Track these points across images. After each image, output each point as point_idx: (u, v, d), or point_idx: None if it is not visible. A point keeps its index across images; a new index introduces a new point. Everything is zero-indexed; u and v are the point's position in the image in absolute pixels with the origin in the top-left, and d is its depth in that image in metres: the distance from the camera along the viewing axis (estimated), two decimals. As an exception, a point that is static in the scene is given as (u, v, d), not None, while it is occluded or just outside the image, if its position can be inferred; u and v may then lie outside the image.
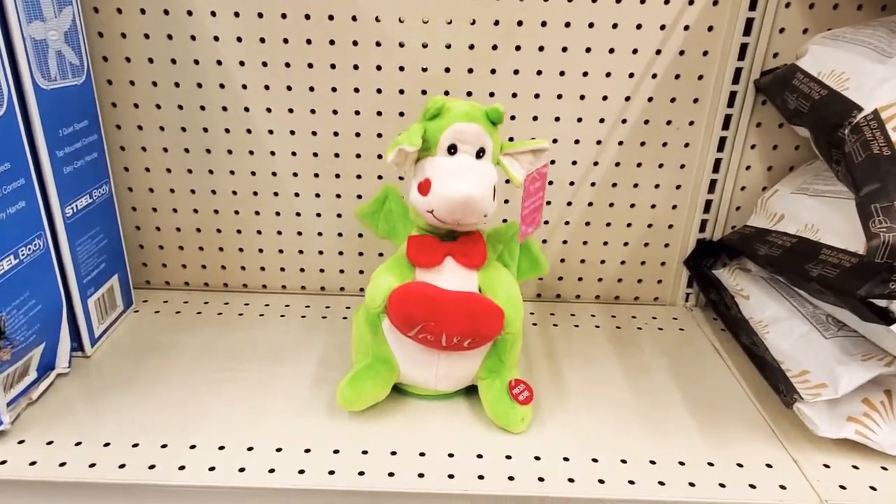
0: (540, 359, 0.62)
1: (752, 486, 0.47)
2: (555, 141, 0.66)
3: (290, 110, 0.65)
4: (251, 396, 0.54)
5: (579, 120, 0.65)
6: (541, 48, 0.62)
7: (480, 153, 0.49)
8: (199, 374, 0.57)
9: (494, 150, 0.50)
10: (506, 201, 0.68)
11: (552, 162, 0.67)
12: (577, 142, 0.66)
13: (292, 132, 0.66)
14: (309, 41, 0.62)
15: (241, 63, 0.63)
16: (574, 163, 0.67)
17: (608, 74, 0.63)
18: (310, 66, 0.63)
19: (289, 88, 0.64)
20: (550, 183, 0.68)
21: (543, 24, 0.61)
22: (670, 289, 0.74)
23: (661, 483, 0.46)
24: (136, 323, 0.66)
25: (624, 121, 0.65)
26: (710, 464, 0.49)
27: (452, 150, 0.48)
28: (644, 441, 0.51)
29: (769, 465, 0.49)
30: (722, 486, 0.46)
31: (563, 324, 0.69)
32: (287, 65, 0.63)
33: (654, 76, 0.64)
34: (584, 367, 0.61)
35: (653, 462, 0.49)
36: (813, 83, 0.52)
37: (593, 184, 0.68)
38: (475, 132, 0.48)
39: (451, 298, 0.48)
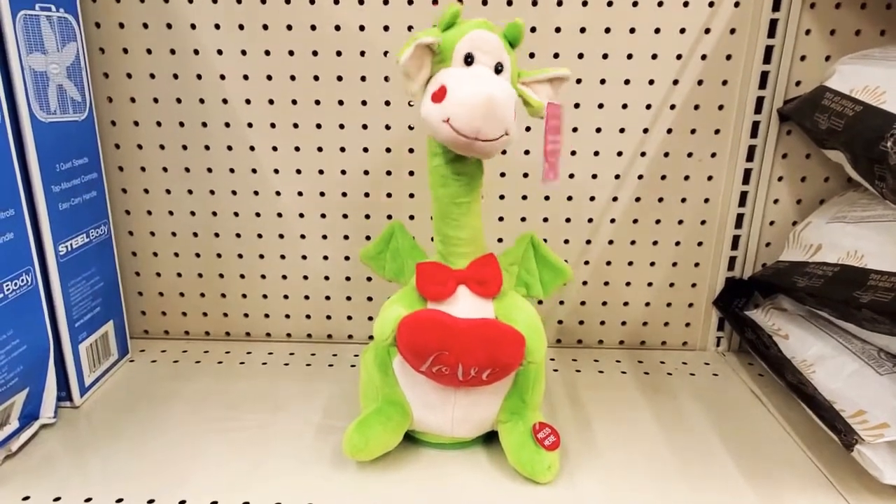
0: (564, 406, 0.57)
1: (816, 542, 0.41)
2: (571, 176, 0.64)
3: (297, 148, 0.63)
4: (249, 447, 0.50)
5: (596, 153, 0.63)
6: (554, 80, 0.61)
7: (499, 68, 0.44)
8: (194, 425, 0.53)
9: (512, 72, 0.45)
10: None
11: (569, 198, 0.64)
12: (594, 176, 0.64)
13: (298, 171, 0.64)
14: (316, 77, 0.61)
15: (247, 101, 0.62)
16: (592, 198, 0.64)
17: (624, 106, 0.61)
18: (317, 102, 0.61)
19: (295, 126, 0.62)
20: (567, 220, 0.65)
21: (556, 55, 0.60)
22: (700, 332, 0.69)
23: (711, 539, 0.41)
24: (131, 373, 0.62)
25: (643, 153, 0.63)
26: (764, 517, 0.43)
27: (469, 59, 0.43)
28: (685, 493, 0.45)
29: (831, 518, 0.43)
30: (781, 542, 0.41)
31: (586, 370, 0.64)
32: (294, 102, 0.61)
33: (673, 107, 0.61)
34: (613, 414, 0.56)
35: (699, 516, 0.43)
36: (845, 100, 0.49)
37: (613, 220, 0.65)
38: (493, 42, 0.43)
39: (466, 325, 0.44)
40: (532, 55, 0.60)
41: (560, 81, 0.46)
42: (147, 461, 0.48)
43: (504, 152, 0.58)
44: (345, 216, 0.65)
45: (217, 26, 0.59)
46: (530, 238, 0.52)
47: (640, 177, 0.64)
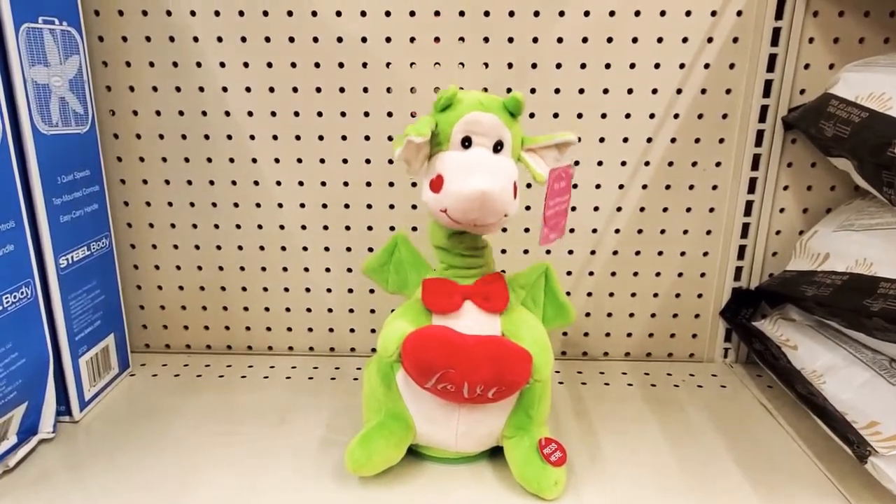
0: (569, 419, 0.56)
1: (830, 558, 0.40)
2: (575, 186, 0.63)
3: (299, 160, 0.63)
4: (250, 462, 0.49)
5: (599, 163, 0.63)
6: (556, 90, 0.60)
7: (498, 147, 0.44)
8: (194, 439, 0.52)
9: (514, 144, 0.44)
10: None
11: (573, 208, 0.64)
12: (598, 186, 0.63)
13: (301, 183, 0.63)
14: (319, 89, 0.61)
15: (250, 113, 0.61)
16: (596, 208, 0.64)
17: (627, 115, 0.61)
18: (319, 114, 0.61)
19: (297, 138, 0.62)
20: (571, 230, 0.65)
21: (558, 65, 0.60)
22: (707, 343, 0.68)
23: (722, 555, 0.40)
24: (132, 387, 0.61)
25: (647, 163, 0.63)
26: (777, 532, 0.42)
27: (467, 143, 0.43)
28: (696, 507, 0.44)
29: (846, 533, 0.42)
30: (794, 557, 0.40)
31: (591, 382, 0.63)
32: (296, 114, 0.61)
33: (676, 116, 0.61)
34: (619, 427, 0.55)
35: (709, 530, 0.42)
36: (851, 107, 0.49)
37: (617, 230, 0.65)
38: (491, 123, 0.43)
39: (472, 342, 0.43)
40: (534, 65, 0.60)
41: (566, 145, 0.46)
42: (147, 476, 0.47)
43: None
44: (347, 228, 0.65)
45: (219, 39, 0.59)
46: (545, 269, 0.51)
47: (644, 186, 0.63)
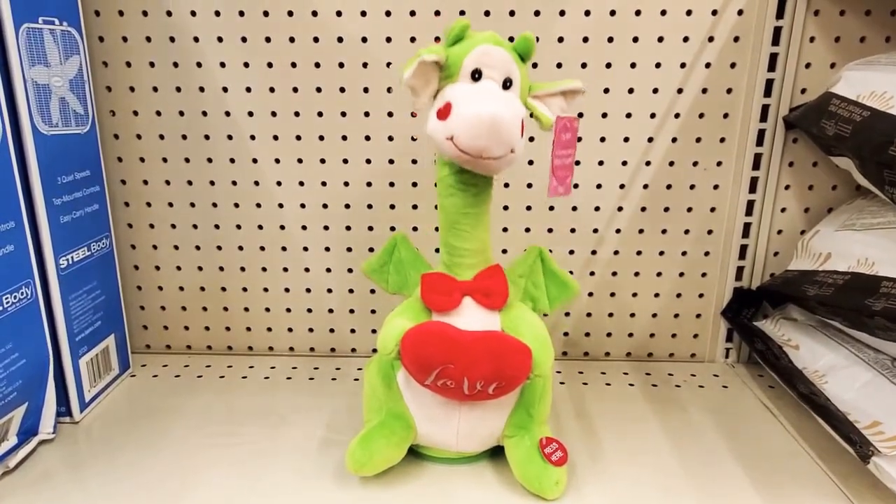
0: (570, 420, 0.56)
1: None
2: (576, 186, 0.63)
3: (300, 160, 0.63)
4: (251, 462, 0.49)
5: (601, 163, 0.63)
6: (557, 90, 0.60)
7: (507, 83, 0.43)
8: (195, 440, 0.52)
9: (522, 86, 0.44)
10: (530, 162, 0.62)
11: (574, 208, 0.64)
12: (598, 186, 0.63)
13: (301, 183, 0.63)
14: (319, 89, 0.61)
15: (250, 113, 0.61)
16: (597, 208, 0.64)
17: (628, 115, 0.61)
18: (320, 114, 0.61)
19: (298, 138, 0.62)
20: (572, 230, 0.64)
21: (559, 65, 0.60)
22: (708, 343, 0.68)
23: (725, 555, 0.40)
24: (132, 388, 0.61)
25: (648, 163, 0.62)
26: (779, 532, 0.42)
27: (477, 75, 0.42)
28: (698, 507, 0.44)
29: (848, 533, 0.42)
30: (796, 557, 0.40)
31: (593, 383, 0.63)
32: (296, 114, 0.61)
33: (677, 116, 0.61)
34: (621, 427, 0.55)
35: (711, 531, 0.42)
36: (853, 106, 0.49)
37: (618, 230, 0.65)
38: (502, 57, 0.42)
39: (471, 338, 0.43)
40: (535, 65, 0.60)
41: (573, 94, 0.46)
42: (147, 477, 0.47)
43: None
44: (348, 228, 0.65)
45: (220, 39, 0.59)
46: (539, 251, 0.51)
47: (646, 186, 0.63)
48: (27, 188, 0.48)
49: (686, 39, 0.59)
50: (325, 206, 0.64)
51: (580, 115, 0.61)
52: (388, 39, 0.59)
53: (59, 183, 0.51)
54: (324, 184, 0.63)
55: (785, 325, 0.60)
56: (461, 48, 0.42)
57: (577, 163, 0.62)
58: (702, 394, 0.61)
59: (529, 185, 0.63)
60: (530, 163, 0.62)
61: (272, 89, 0.61)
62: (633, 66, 0.60)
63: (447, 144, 0.41)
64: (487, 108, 0.39)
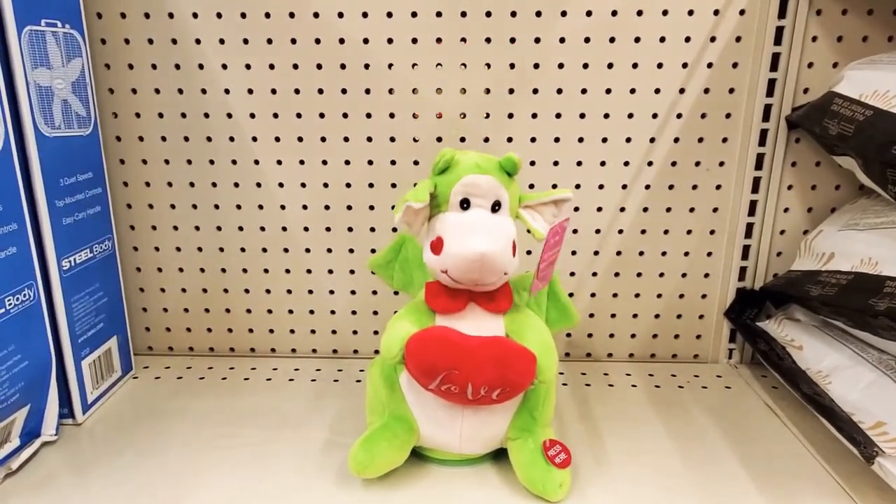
0: (573, 421, 0.56)
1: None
2: (578, 186, 0.63)
3: (302, 162, 0.63)
4: (253, 464, 0.49)
5: (602, 164, 0.62)
6: (559, 91, 0.60)
7: (496, 207, 0.45)
8: (197, 442, 0.52)
9: (511, 202, 0.45)
10: (528, 252, 0.64)
11: (576, 209, 0.64)
12: (601, 186, 0.63)
13: (303, 184, 0.63)
14: (321, 91, 0.61)
15: (252, 115, 0.61)
16: (599, 209, 0.64)
17: (630, 115, 0.61)
18: (321, 115, 0.61)
19: (300, 139, 0.62)
20: (575, 231, 0.64)
21: (560, 66, 0.60)
22: (711, 344, 0.68)
23: (729, 556, 0.40)
24: (135, 389, 0.61)
25: (650, 163, 0.62)
26: (783, 533, 0.42)
27: (465, 204, 0.44)
28: (702, 508, 0.44)
29: (853, 534, 0.42)
30: (801, 559, 0.39)
31: (596, 384, 0.63)
32: (298, 115, 0.61)
33: (679, 116, 0.61)
34: (624, 429, 0.54)
35: (715, 532, 0.42)
36: (855, 105, 0.49)
37: (621, 231, 0.64)
38: (488, 184, 0.44)
39: (476, 343, 0.43)
40: (536, 66, 0.60)
41: (563, 202, 0.47)
42: (150, 479, 0.47)
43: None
44: (350, 229, 0.65)
45: (221, 41, 0.59)
46: None
47: (648, 186, 0.63)
48: (30, 190, 0.48)
49: (688, 39, 0.59)
50: (327, 207, 0.64)
51: (582, 115, 0.61)
52: (390, 41, 0.59)
53: (61, 185, 0.51)
54: (326, 185, 0.63)
55: (788, 325, 0.60)
56: (448, 178, 0.44)
57: (579, 163, 0.62)
58: (705, 395, 0.61)
59: (531, 186, 0.63)
60: (532, 163, 0.62)
61: (274, 91, 0.61)
62: (634, 66, 0.60)
63: (442, 276, 0.44)
64: (476, 248, 0.42)
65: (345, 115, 0.61)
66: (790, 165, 0.62)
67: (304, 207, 0.64)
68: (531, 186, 0.63)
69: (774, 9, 0.58)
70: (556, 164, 0.62)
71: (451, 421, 0.46)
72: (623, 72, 0.60)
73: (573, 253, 0.65)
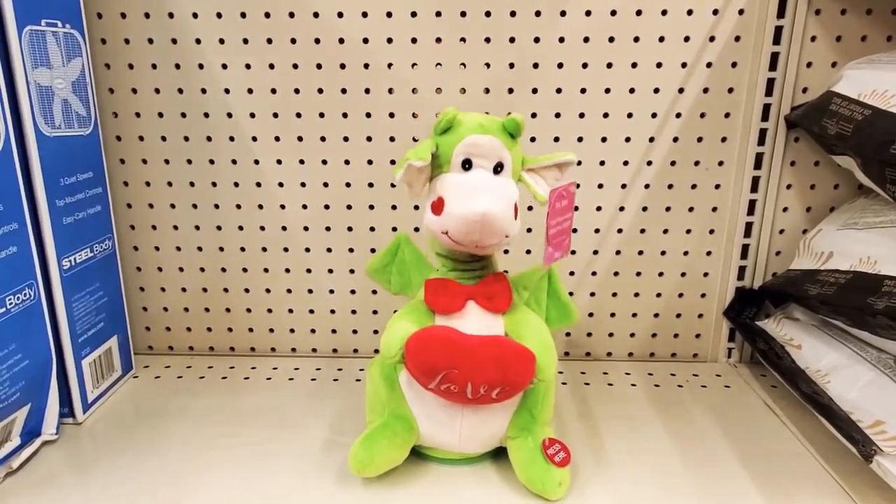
0: (573, 421, 0.56)
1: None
2: (578, 186, 0.63)
3: (301, 161, 0.63)
4: (253, 464, 0.49)
5: (602, 163, 0.63)
6: (558, 90, 0.60)
7: (498, 168, 0.44)
8: (197, 441, 0.52)
9: (514, 164, 0.45)
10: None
11: (576, 208, 0.64)
12: (600, 186, 0.63)
13: (303, 184, 0.63)
14: (321, 90, 0.61)
15: (252, 115, 0.62)
16: (598, 208, 0.64)
17: (630, 115, 0.61)
18: (321, 115, 0.61)
19: (300, 139, 0.62)
20: (575, 231, 0.64)
21: (560, 65, 0.60)
22: (710, 343, 0.68)
23: (727, 555, 0.40)
24: (135, 389, 0.61)
25: (649, 162, 0.62)
26: (782, 532, 0.42)
27: (467, 165, 0.44)
28: (701, 507, 0.44)
29: (851, 533, 0.42)
30: (800, 557, 0.39)
31: (595, 383, 0.63)
32: (298, 115, 0.61)
33: (679, 115, 0.61)
34: (623, 428, 0.55)
35: (714, 530, 0.42)
36: (854, 105, 0.49)
37: (620, 230, 0.65)
38: (491, 145, 0.43)
39: (476, 342, 0.43)
40: (536, 65, 0.60)
41: (567, 165, 0.47)
42: (150, 478, 0.47)
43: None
44: (350, 229, 0.65)
45: (221, 41, 0.59)
46: (549, 269, 0.51)
47: (647, 186, 0.63)
48: (30, 190, 0.48)
49: (687, 39, 0.59)
50: (326, 206, 0.64)
51: (581, 115, 0.61)
52: (390, 40, 0.59)
53: (61, 184, 0.51)
54: (325, 185, 0.63)
55: (787, 324, 0.60)
56: (451, 138, 0.44)
57: (579, 163, 0.62)
58: (704, 394, 0.61)
59: (529, 209, 0.63)
60: (532, 163, 0.62)
61: (274, 90, 0.61)
62: (634, 65, 0.60)
63: (443, 237, 0.44)
64: (478, 207, 0.41)
65: (344, 115, 0.61)
66: (789, 165, 0.62)
67: (304, 207, 0.64)
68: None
69: (773, 8, 0.58)
70: (555, 163, 0.62)
71: (451, 420, 0.46)
72: (622, 71, 0.60)
73: (573, 252, 0.65)
